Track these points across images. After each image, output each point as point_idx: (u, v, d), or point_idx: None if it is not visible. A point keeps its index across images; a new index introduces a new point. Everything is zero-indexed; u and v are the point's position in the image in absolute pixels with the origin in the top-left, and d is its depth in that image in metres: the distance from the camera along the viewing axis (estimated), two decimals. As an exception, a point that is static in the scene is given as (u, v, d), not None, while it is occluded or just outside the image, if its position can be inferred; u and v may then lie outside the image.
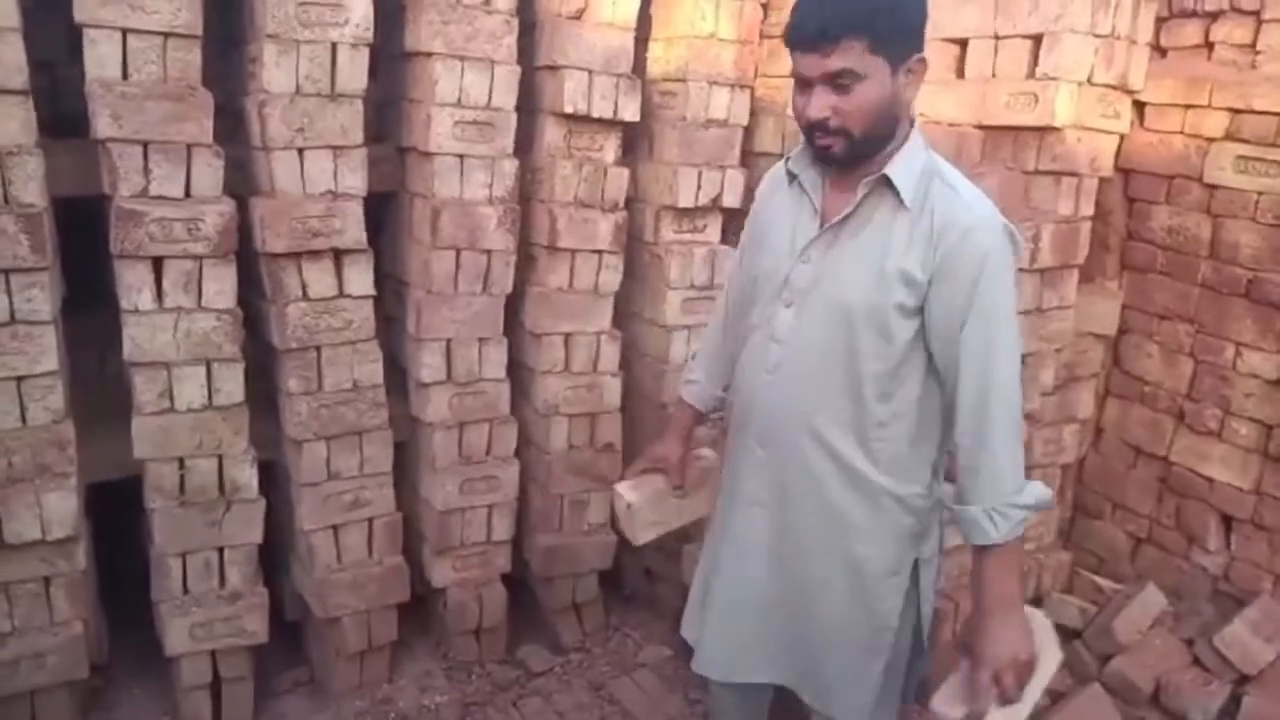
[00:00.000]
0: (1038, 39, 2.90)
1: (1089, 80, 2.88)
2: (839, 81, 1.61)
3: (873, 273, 1.71)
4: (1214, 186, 2.96)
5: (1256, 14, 2.95)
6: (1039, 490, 1.73)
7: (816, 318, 1.78)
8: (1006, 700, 1.69)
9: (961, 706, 1.74)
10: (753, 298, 1.93)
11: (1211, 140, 2.95)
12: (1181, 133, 3.01)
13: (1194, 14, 3.11)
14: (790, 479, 1.89)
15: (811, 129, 1.69)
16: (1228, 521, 3.08)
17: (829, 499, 1.85)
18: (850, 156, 1.70)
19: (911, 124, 1.76)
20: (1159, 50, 3.16)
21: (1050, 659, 1.76)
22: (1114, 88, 2.96)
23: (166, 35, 2.39)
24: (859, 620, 1.91)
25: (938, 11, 3.11)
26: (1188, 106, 2.99)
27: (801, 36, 1.62)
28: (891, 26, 1.61)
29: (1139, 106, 3.09)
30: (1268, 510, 2.95)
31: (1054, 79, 2.83)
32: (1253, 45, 2.97)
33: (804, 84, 1.66)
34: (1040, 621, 1.80)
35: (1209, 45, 3.08)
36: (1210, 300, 3.01)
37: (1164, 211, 3.06)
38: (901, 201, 1.69)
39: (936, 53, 3.18)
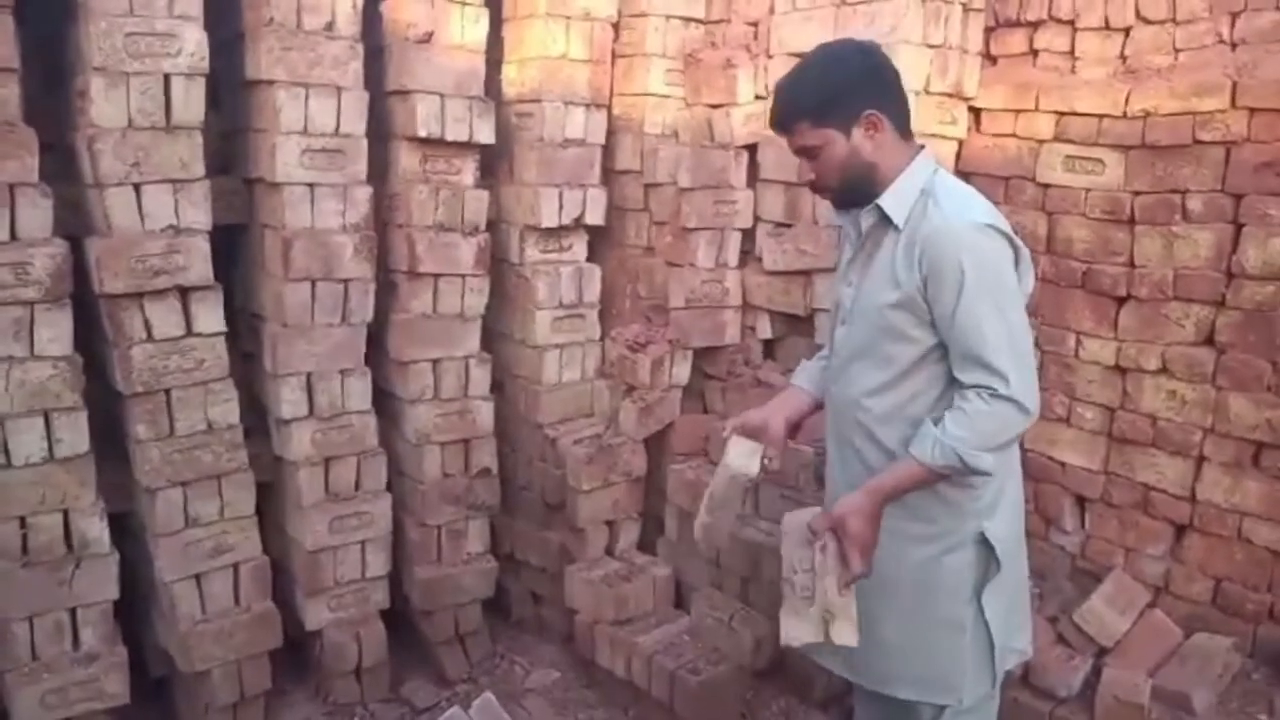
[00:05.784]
0: (875, 51, 3.01)
1: (925, 89, 3.01)
2: (808, 153, 1.95)
3: (887, 287, 1.91)
4: (1047, 185, 3.11)
5: (1072, 23, 3.14)
6: (985, 462, 1.82)
7: (857, 329, 2.01)
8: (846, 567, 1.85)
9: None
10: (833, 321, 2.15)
11: (1042, 142, 3.10)
12: (1014, 135, 3.16)
13: (1018, 23, 3.27)
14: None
15: (810, 188, 2.06)
16: (1081, 502, 3.23)
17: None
18: (844, 202, 2.00)
19: (919, 151, 1.97)
20: (989, 58, 3.32)
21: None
22: (950, 95, 3.10)
23: (-23, 70, 2.27)
24: None
25: (784, 28, 3.24)
26: (1018, 111, 3.14)
27: (772, 126, 2.00)
28: (820, 104, 1.90)
29: (974, 112, 3.24)
30: (1116, 489, 3.10)
31: (893, 89, 2.95)
32: (1071, 52, 3.15)
33: (796, 155, 2.01)
34: None
35: (1034, 52, 3.25)
36: (1051, 293, 3.16)
37: (1003, 211, 3.19)
38: (894, 225, 1.90)
39: (783, 66, 3.27)
